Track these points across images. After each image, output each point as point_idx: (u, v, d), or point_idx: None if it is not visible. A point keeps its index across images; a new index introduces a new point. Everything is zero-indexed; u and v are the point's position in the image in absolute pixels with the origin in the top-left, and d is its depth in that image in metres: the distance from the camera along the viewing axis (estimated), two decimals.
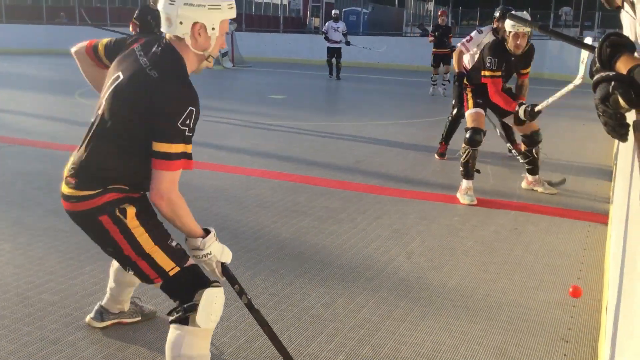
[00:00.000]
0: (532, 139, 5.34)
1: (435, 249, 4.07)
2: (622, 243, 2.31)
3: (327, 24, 15.97)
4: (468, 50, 6.82)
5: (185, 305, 2.18)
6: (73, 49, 2.50)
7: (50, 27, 24.09)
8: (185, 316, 2.19)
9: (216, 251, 2.25)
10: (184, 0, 2.11)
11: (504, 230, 4.48)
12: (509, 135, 6.50)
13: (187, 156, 2.12)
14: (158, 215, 2.25)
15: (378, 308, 3.18)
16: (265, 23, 29.06)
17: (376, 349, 2.79)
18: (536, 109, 4.96)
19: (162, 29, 2.18)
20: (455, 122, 6.76)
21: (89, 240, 2.34)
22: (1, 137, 7.31)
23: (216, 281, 2.28)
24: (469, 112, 5.38)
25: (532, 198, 5.32)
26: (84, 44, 2.47)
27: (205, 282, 2.24)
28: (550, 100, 4.93)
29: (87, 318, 2.89)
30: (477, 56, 5.95)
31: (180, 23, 2.13)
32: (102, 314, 2.87)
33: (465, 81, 5.64)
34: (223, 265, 2.29)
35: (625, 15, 1.77)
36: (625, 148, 3.41)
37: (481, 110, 5.34)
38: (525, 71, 5.48)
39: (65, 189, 2.25)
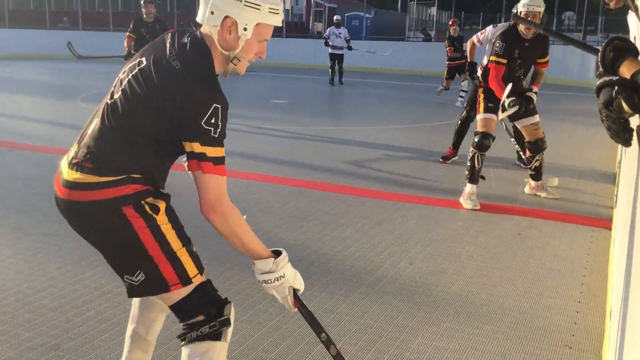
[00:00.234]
0: (537, 146, 5.31)
1: (437, 254, 4.05)
2: (627, 248, 2.29)
3: (328, 29, 15.87)
4: (480, 43, 6.86)
5: (221, 319, 1.96)
6: None
7: (53, 32, 24.20)
8: (219, 331, 1.96)
9: (290, 275, 2.01)
10: None
11: (507, 235, 4.46)
12: (520, 143, 6.50)
13: (216, 161, 1.85)
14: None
15: (380, 314, 3.16)
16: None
17: (378, 355, 2.77)
18: (499, 118, 5.12)
19: (197, 18, 1.96)
20: (465, 123, 6.73)
21: (90, 246, 2.08)
22: (1, 142, 7.32)
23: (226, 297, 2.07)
24: (480, 116, 5.35)
25: (535, 203, 5.30)
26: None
27: (225, 298, 2.04)
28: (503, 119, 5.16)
29: None
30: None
31: (212, 13, 1.90)
32: None
33: (480, 78, 5.58)
34: (295, 293, 2.07)
35: (633, 19, 1.76)
36: (629, 153, 3.39)
37: (492, 116, 5.25)
38: (542, 60, 5.35)
39: (73, 175, 1.90)
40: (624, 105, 1.23)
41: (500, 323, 3.11)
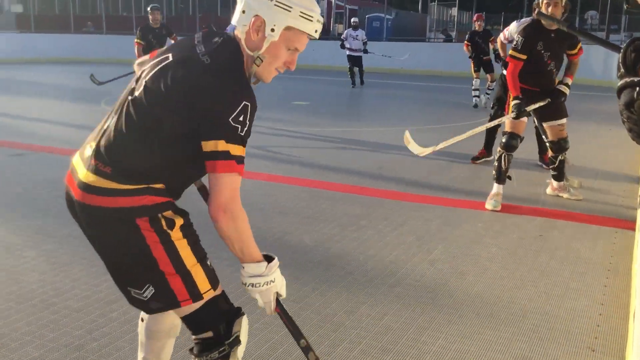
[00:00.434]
0: (559, 146, 5.25)
1: (458, 255, 4.03)
2: None
3: (346, 31, 15.80)
4: (507, 40, 6.90)
5: (230, 341, 1.91)
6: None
7: (77, 36, 24.56)
8: (229, 352, 1.91)
9: (278, 280, 1.96)
10: None
11: (528, 236, 4.42)
12: (541, 145, 6.45)
13: (239, 160, 1.78)
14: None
15: (401, 315, 3.16)
16: None
17: (399, 357, 2.76)
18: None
19: (232, 20, 1.90)
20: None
21: None
22: (26, 145, 7.44)
23: (239, 307, 2.00)
24: (509, 116, 5.32)
25: (557, 204, 5.25)
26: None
27: (238, 309, 1.97)
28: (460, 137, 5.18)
29: None
30: None
31: (243, 12, 1.84)
32: None
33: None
34: (277, 299, 2.01)
35: None
36: None
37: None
38: (572, 52, 5.20)
39: (89, 177, 1.81)
40: None
41: (522, 325, 3.08)
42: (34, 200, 5.12)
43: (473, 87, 11.65)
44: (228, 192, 1.78)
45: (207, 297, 1.88)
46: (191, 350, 1.95)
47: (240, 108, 1.74)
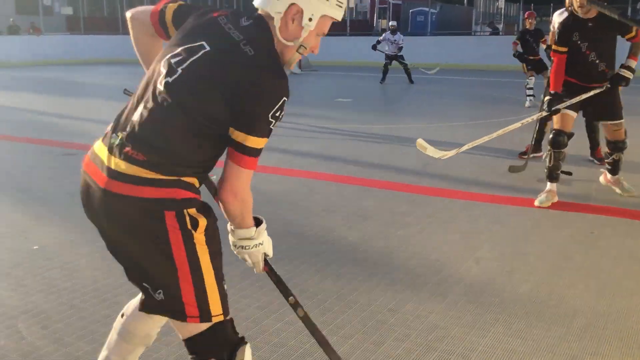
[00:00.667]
0: (616, 146, 5.07)
1: (506, 253, 3.97)
2: None
3: (384, 34, 15.57)
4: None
5: None
6: (129, 14, 2.07)
7: (125, 37, 24.97)
8: None
9: (266, 242, 1.99)
10: None
11: (579, 234, 4.32)
12: (592, 138, 6.29)
13: (258, 152, 1.79)
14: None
15: (446, 314, 3.12)
16: (332, 27, 29.12)
17: (444, 355, 2.74)
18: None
19: (256, 2, 1.85)
20: (543, 118, 6.52)
21: None
22: (77, 144, 7.64)
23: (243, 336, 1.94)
24: (541, 113, 5.21)
25: (610, 200, 5.10)
26: (147, 9, 2.01)
27: (241, 338, 1.91)
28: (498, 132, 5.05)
29: None
30: None
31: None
32: None
33: None
34: (265, 259, 2.03)
35: None
36: None
37: (570, 112, 4.96)
38: (628, 36, 4.85)
39: (120, 165, 1.73)
40: None
41: (572, 325, 3.01)
42: None
43: (527, 86, 10.92)
44: (244, 182, 1.80)
45: (215, 320, 1.82)
46: None
47: (279, 104, 1.74)
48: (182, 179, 1.76)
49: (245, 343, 1.89)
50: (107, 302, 3.26)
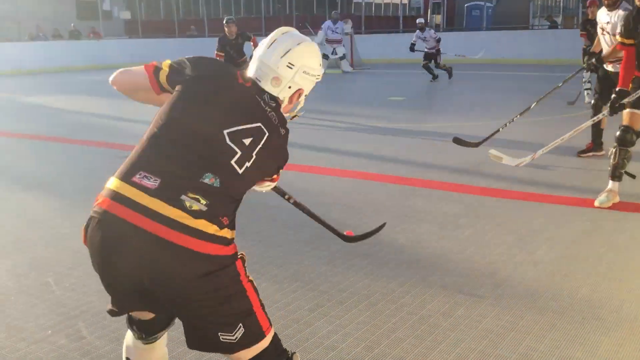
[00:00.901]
0: None
1: (564, 256, 3.85)
2: None
3: (415, 34, 15.12)
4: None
5: None
6: (112, 78, 2.14)
7: (181, 40, 25.62)
8: None
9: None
10: (303, 68, 2.04)
11: None
12: None
13: None
14: None
15: (501, 318, 3.06)
16: (385, 24, 29.00)
17: None
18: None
19: (264, 86, 2.03)
20: (597, 114, 6.30)
21: None
22: (131, 147, 7.84)
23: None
24: (604, 112, 5.03)
25: None
26: (136, 68, 2.13)
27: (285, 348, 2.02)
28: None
29: None
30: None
31: (289, 87, 2.04)
32: None
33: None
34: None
35: None
36: None
37: (638, 111, 4.77)
38: None
39: (176, 213, 1.75)
40: None
41: (633, 331, 2.90)
42: None
43: (584, 80, 10.30)
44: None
45: (272, 330, 1.93)
46: None
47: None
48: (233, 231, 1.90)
49: (294, 353, 2.01)
50: None
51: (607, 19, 5.77)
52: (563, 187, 5.40)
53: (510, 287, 3.42)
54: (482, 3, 25.39)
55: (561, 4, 27.23)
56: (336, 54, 17.50)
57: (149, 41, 25.61)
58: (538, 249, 3.96)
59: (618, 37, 4.85)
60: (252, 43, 9.88)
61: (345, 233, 2.88)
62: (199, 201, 1.76)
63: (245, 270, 1.88)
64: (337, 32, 17.10)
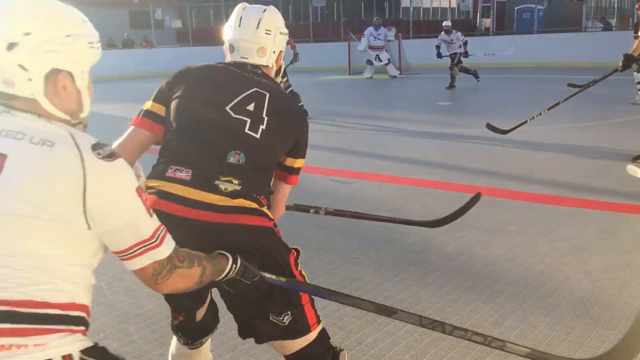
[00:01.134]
0: None
1: (618, 265, 3.73)
2: None
3: (440, 37, 14.71)
4: None
5: None
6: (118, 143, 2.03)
7: None
8: None
9: None
10: (279, 30, 2.11)
11: None
12: None
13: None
14: None
15: (553, 329, 2.99)
16: (433, 28, 28.72)
17: None
18: None
19: (252, 60, 2.09)
20: None
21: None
22: None
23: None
24: None
25: None
26: (131, 133, 2.06)
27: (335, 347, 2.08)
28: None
29: None
30: None
31: (274, 52, 2.12)
32: None
33: None
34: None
35: None
36: None
37: None
38: None
39: (231, 202, 1.85)
40: None
41: None
42: None
43: (637, 81, 10.22)
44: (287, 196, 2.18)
45: (320, 326, 2.01)
46: None
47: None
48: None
49: (342, 349, 2.04)
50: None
51: None
52: (617, 194, 5.24)
53: (562, 296, 3.34)
54: (533, 6, 24.86)
55: (616, 5, 26.45)
56: (380, 60, 17.44)
57: (200, 49, 26.04)
58: (591, 258, 3.85)
59: None
60: (287, 43, 9.91)
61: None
62: (232, 182, 1.86)
63: (297, 263, 1.96)
64: (379, 39, 17.08)
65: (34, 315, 1.25)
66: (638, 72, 10.04)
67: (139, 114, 2.08)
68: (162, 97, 2.06)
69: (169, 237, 1.43)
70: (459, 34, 14.45)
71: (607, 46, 18.11)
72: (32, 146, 1.28)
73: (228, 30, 2.13)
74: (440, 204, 5.18)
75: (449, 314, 3.17)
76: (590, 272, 3.64)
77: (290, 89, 8.71)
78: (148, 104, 2.09)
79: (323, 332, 2.01)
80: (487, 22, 29.55)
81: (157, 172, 1.92)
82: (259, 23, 2.07)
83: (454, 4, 31.12)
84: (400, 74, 18.35)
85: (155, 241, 1.38)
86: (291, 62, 11.04)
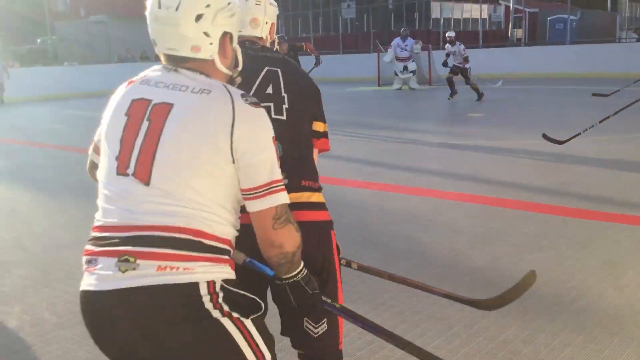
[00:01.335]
0: None
1: None
2: None
3: (447, 47, 14.54)
4: None
5: None
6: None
7: None
8: None
9: None
10: (269, 1, 2.11)
11: None
12: None
13: None
14: None
15: (584, 347, 2.91)
16: (464, 39, 28.58)
17: None
18: None
19: (246, 32, 2.07)
20: None
21: None
22: None
23: None
24: None
25: None
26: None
27: None
28: None
29: None
30: None
31: (266, 23, 2.11)
32: None
33: None
34: None
35: None
36: None
37: None
38: None
39: (304, 197, 1.95)
40: None
41: None
42: None
43: None
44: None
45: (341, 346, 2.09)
46: None
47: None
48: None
49: None
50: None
51: None
52: None
53: (594, 313, 3.26)
54: (566, 16, 24.57)
55: None
56: (407, 70, 17.38)
57: None
58: (624, 274, 3.75)
59: None
60: (306, 49, 10.08)
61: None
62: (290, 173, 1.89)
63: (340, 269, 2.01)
64: (405, 50, 17.08)
65: (190, 243, 1.47)
66: None
67: None
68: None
69: None
70: (462, 47, 14.23)
71: None
72: (193, 94, 1.53)
73: None
74: (468, 216, 5.12)
75: (477, 330, 3.12)
76: (623, 288, 3.55)
77: None
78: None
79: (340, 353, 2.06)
80: (519, 32, 29.28)
81: None
82: None
83: (485, 15, 30.89)
84: (430, 85, 18.27)
85: (282, 185, 1.56)
86: (314, 66, 11.05)
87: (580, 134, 6.17)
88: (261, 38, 2.12)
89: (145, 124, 1.52)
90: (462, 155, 8.08)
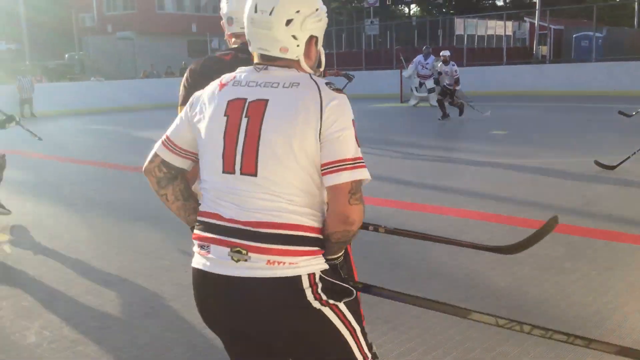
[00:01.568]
0: None
1: None
2: None
3: (439, 66, 14.53)
4: None
5: None
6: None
7: None
8: None
9: None
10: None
11: None
12: None
13: None
14: None
15: None
16: (488, 56, 28.50)
17: None
18: None
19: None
20: None
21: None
22: None
23: None
24: None
25: None
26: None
27: None
28: None
29: None
30: None
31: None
32: None
33: None
34: None
35: None
36: None
37: None
38: None
39: None
40: None
41: None
42: None
43: None
44: None
45: None
46: None
47: None
48: None
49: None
50: None
51: None
52: None
53: (619, 338, 3.18)
54: (591, 33, 24.37)
55: None
56: (424, 86, 17.36)
57: None
58: None
59: None
60: (337, 75, 10.15)
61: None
62: None
63: None
64: (427, 68, 17.06)
65: (295, 238, 1.64)
66: None
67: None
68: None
69: None
70: (455, 67, 14.04)
71: None
72: (284, 89, 1.68)
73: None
74: (491, 237, 5.06)
75: (498, 354, 3.06)
76: None
77: None
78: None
79: None
80: (544, 49, 29.08)
81: None
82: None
83: (509, 32, 30.76)
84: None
85: (362, 162, 1.67)
86: (348, 82, 11.19)
87: (629, 157, 6.03)
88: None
89: (245, 120, 1.67)
90: (485, 173, 8.00)
